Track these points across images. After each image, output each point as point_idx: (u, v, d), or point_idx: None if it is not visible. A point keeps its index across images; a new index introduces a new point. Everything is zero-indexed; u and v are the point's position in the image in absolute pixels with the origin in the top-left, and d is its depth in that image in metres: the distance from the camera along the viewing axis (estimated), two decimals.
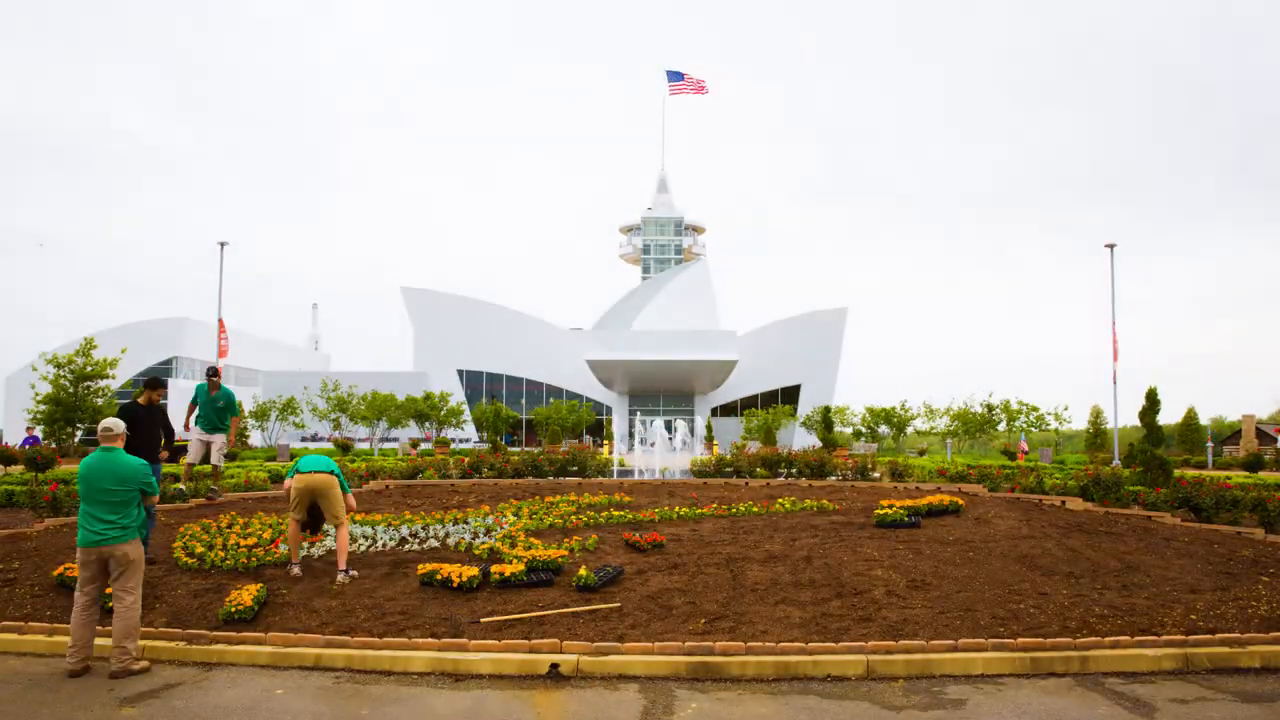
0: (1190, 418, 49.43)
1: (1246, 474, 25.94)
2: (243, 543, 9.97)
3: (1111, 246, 41.55)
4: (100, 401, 40.77)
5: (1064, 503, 13.27)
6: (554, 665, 7.04)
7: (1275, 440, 54.07)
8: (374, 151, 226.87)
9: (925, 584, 8.81)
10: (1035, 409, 53.03)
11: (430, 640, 7.43)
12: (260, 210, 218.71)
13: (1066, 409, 53.41)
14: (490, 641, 7.38)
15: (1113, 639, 7.36)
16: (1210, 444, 46.25)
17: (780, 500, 13.27)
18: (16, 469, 24.98)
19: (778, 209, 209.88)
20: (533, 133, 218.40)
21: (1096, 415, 52.79)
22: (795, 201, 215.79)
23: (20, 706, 6.20)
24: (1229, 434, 66.69)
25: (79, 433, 42.39)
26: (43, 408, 39.49)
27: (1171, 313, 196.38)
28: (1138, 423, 20.37)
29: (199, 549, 9.67)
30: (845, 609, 8.17)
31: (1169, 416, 57.43)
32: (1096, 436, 50.26)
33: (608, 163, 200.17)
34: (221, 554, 9.48)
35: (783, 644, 7.29)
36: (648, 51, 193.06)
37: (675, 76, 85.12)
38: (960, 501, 11.96)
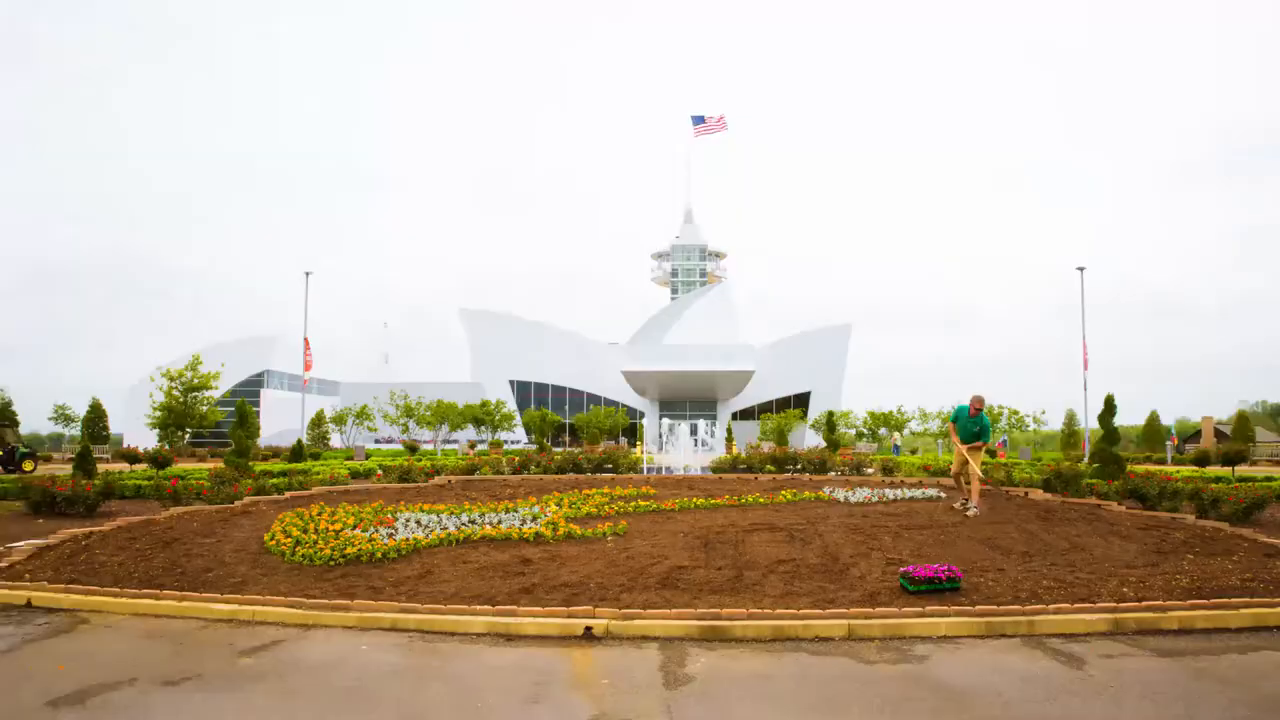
0: (1153, 420, 49.14)
1: (1195, 469, 25.90)
2: (333, 540, 9.80)
3: (1082, 269, 41.54)
4: (204, 409, 41.77)
5: (1027, 494, 13.53)
6: (588, 628, 7.45)
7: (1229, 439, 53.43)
8: (433, 186, 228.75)
9: (902, 561, 9.15)
10: (1016, 412, 52.80)
11: (486, 607, 7.86)
12: (335, 242, 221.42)
13: (1044, 412, 53.24)
14: (535, 608, 7.82)
15: (1056, 606, 7.69)
16: (1172, 442, 45.93)
17: (784, 492, 13.66)
18: (140, 466, 25.85)
19: (792, 231, 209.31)
20: (573, 170, 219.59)
21: (1070, 418, 52.61)
22: (806, 224, 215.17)
23: (151, 656, 6.71)
24: (1192, 433, 66.00)
25: (187, 435, 43.39)
26: (158, 415, 40.57)
27: (1141, 315, 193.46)
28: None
29: (289, 542, 9.84)
30: (832, 581, 8.55)
31: (1139, 418, 57.26)
32: (1070, 437, 50.02)
33: (640, 197, 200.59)
34: (321, 546, 9.57)
35: (778, 610, 7.67)
36: (677, 94, 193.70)
37: (698, 120, 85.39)
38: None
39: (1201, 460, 29.31)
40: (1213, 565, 9.03)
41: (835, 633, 7.39)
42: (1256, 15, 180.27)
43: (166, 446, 37.51)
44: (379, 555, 9.45)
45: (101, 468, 22.25)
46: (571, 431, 69.76)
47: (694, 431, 32.24)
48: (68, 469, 21.18)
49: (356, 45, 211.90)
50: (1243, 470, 26.96)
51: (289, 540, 9.91)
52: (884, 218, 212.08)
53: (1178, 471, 20.21)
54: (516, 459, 19.95)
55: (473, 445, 49.40)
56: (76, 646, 7.06)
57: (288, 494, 14.17)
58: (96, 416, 48.46)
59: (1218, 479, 18.42)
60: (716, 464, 20.20)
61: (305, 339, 45.45)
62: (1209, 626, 7.49)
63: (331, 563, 9.27)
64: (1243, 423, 50.84)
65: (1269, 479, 19.01)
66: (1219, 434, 55.11)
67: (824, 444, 39.27)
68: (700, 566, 9.03)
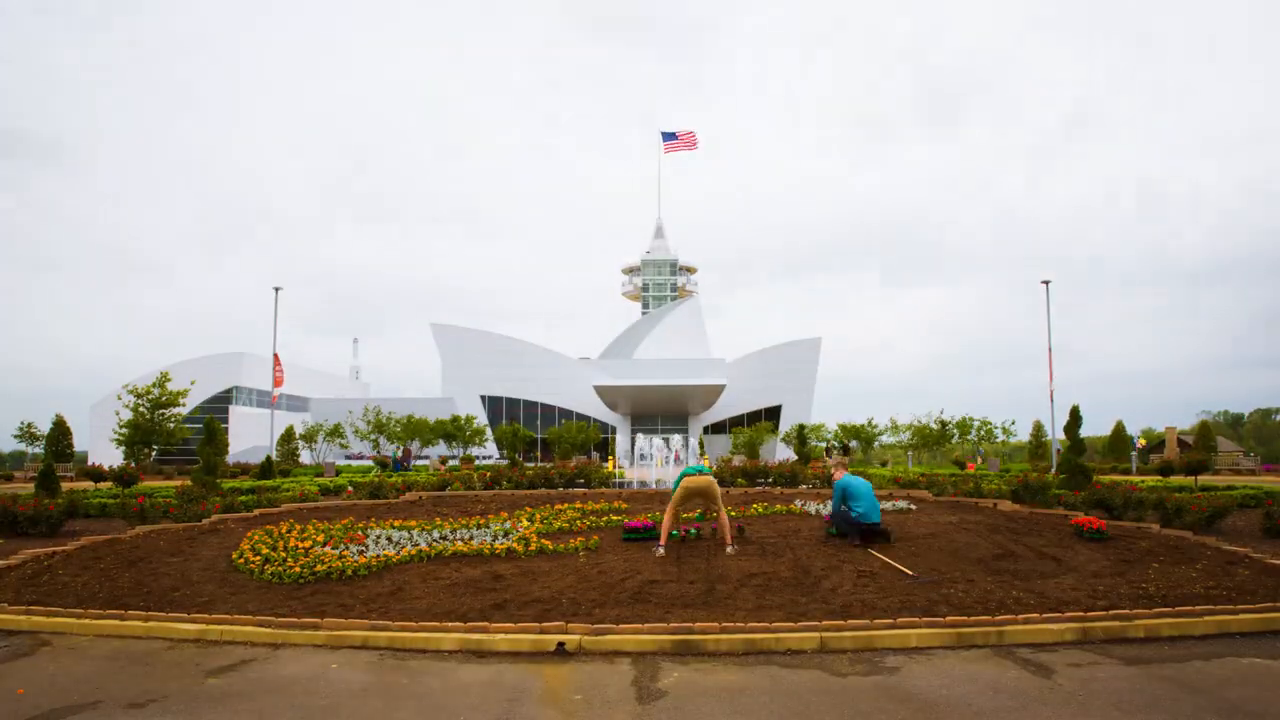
0: (1118, 430, 49.77)
1: (1159, 478, 26.27)
2: (303, 558, 9.75)
3: (1047, 283, 42.05)
4: (172, 426, 41.12)
5: (995, 505, 13.64)
6: (561, 644, 7.41)
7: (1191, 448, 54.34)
8: (412, 201, 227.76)
9: (873, 573, 9.20)
10: (986, 423, 53.18)
11: (458, 624, 7.79)
12: (306, 258, 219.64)
13: (1013, 423, 53.69)
14: (507, 625, 7.76)
15: (1025, 616, 7.74)
16: (1136, 452, 46.57)
17: (755, 505, 13.67)
18: (105, 485, 25.41)
19: (761, 247, 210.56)
20: (539, 187, 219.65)
21: (1038, 429, 53.15)
22: (776, 240, 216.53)
23: (115, 678, 6.59)
24: (1157, 443, 66.98)
25: (154, 453, 42.65)
26: (124, 432, 39.86)
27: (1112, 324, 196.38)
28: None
29: (258, 560, 9.72)
30: (804, 594, 8.56)
31: (1105, 428, 57.94)
32: (1038, 448, 50.55)
33: (610, 213, 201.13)
34: (291, 564, 9.50)
35: (750, 624, 7.66)
36: (648, 116, 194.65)
37: (669, 136, 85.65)
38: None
39: (1165, 470, 29.77)
40: (1177, 574, 9.15)
41: (807, 645, 7.38)
42: None
43: (133, 464, 36.88)
44: (350, 573, 9.35)
45: (65, 486, 21.88)
46: (543, 446, 69.51)
47: (666, 446, 32.31)
48: (30, 488, 20.77)
49: (349, 77, 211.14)
50: (1205, 479, 27.39)
51: (258, 558, 9.79)
52: (853, 234, 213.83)
53: (1142, 481, 20.51)
54: (488, 474, 19.85)
55: (444, 461, 49.02)
56: (38, 669, 6.91)
57: (256, 511, 13.98)
58: (61, 434, 47.47)
59: (1181, 488, 18.68)
60: None
61: (275, 355, 44.98)
62: (1174, 634, 7.59)
63: (301, 581, 9.15)
64: (1205, 432, 51.72)
65: (1230, 488, 19.30)
66: (1182, 444, 56.03)
67: (795, 457, 39.46)
68: (672, 581, 9.01)
